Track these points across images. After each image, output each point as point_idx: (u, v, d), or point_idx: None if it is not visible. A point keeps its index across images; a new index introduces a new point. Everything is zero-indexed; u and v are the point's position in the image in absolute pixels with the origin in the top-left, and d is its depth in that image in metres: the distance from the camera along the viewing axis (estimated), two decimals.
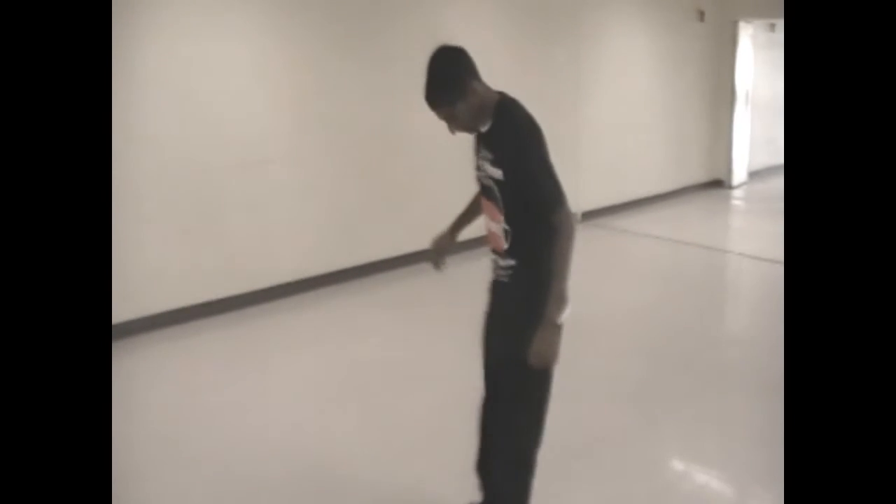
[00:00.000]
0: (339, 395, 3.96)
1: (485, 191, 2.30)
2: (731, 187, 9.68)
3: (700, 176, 9.62)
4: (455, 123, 2.21)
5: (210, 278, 5.18)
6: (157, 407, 3.87)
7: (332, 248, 5.84)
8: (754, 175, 10.24)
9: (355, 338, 4.80)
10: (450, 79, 2.15)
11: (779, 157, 10.80)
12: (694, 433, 3.47)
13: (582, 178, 7.53)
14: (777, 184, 9.74)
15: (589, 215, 7.83)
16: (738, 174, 9.82)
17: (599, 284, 5.56)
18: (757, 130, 10.13)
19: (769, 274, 6.06)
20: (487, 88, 2.21)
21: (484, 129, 2.23)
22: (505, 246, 2.26)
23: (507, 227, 2.23)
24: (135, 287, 4.78)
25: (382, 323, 5.09)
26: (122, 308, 4.68)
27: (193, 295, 5.11)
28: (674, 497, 2.96)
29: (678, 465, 3.25)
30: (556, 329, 2.11)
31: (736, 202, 9.21)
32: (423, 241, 6.10)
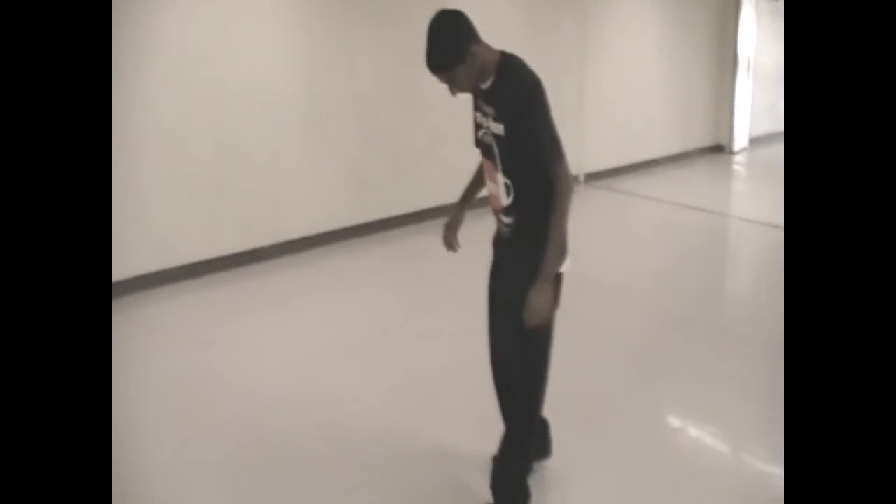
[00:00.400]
0: (351, 348, 4.02)
1: (484, 150, 2.35)
2: (732, 152, 9.72)
3: (702, 141, 9.65)
4: (456, 86, 2.23)
5: (224, 233, 5.24)
6: (169, 357, 3.95)
7: (344, 205, 5.89)
8: (755, 141, 10.28)
9: (366, 292, 4.88)
10: (449, 43, 2.17)
11: (779, 125, 10.82)
12: (691, 389, 3.52)
13: (586, 141, 7.58)
14: (777, 150, 9.77)
15: (593, 177, 7.89)
16: (740, 140, 9.86)
17: (602, 244, 5.64)
18: (758, 97, 10.14)
19: (769, 238, 6.16)
20: (488, 49, 2.23)
21: (485, 85, 2.25)
22: (505, 202, 2.30)
23: (506, 181, 2.27)
24: (149, 240, 4.87)
25: (393, 277, 5.17)
26: (138, 261, 4.79)
27: (208, 249, 5.19)
28: (669, 451, 3.04)
29: (674, 420, 3.32)
30: (550, 284, 2.17)
31: (737, 167, 9.27)
32: (434, 199, 6.35)
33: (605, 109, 7.95)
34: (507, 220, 2.33)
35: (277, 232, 5.53)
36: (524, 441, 2.50)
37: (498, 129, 2.23)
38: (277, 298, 4.82)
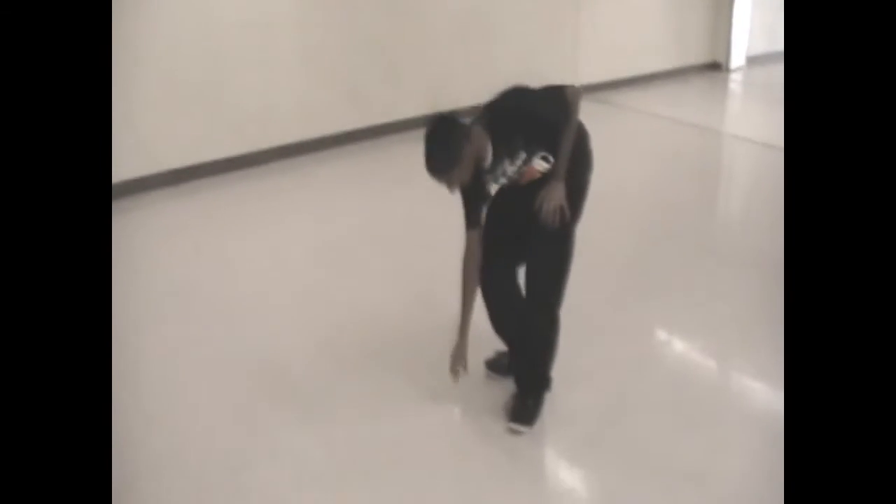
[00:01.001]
0: (343, 253, 4.01)
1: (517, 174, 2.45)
2: (728, 70, 9.51)
3: (698, 57, 9.38)
4: (454, 183, 2.26)
5: (215, 138, 5.12)
6: (161, 262, 3.91)
7: (337, 111, 5.75)
8: (752, 60, 10.01)
9: (359, 198, 4.84)
10: (447, 150, 2.20)
11: (777, 44, 10.55)
12: (679, 305, 3.53)
13: (581, 52, 7.35)
14: (774, 70, 9.55)
15: (587, 89, 7.68)
16: (736, 58, 9.61)
17: (597, 158, 5.55)
18: (757, 16, 9.84)
19: (763, 157, 6.08)
20: (478, 134, 2.27)
21: (488, 162, 2.32)
22: (546, 168, 2.42)
23: (544, 154, 2.40)
24: (138, 145, 4.74)
25: (386, 183, 5.12)
26: (128, 165, 4.67)
27: (199, 154, 5.08)
28: (655, 363, 3.07)
29: (662, 334, 3.35)
30: (562, 184, 2.36)
31: (733, 86, 9.07)
32: (428, 106, 6.21)
33: (601, 22, 7.69)
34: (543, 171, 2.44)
35: (269, 137, 5.41)
36: (553, 343, 2.62)
37: (521, 154, 2.36)
38: (269, 204, 4.77)
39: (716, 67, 9.50)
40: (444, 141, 2.21)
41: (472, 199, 2.46)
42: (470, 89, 6.14)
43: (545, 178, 2.41)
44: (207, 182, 5.00)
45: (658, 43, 8.66)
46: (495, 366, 2.88)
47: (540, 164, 2.41)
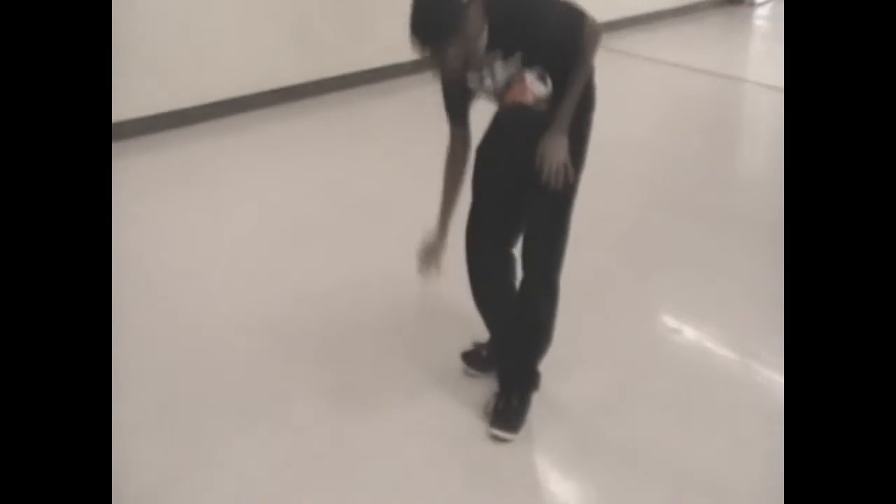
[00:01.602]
0: (294, 226, 4.02)
1: (506, 83, 2.35)
2: (753, 3, 9.51)
3: None
4: (442, 64, 2.19)
5: (139, 93, 5.04)
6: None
7: (280, 61, 5.72)
8: None
9: (309, 161, 4.84)
10: (442, 17, 2.09)
11: None
12: (689, 283, 3.57)
13: None
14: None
15: None
16: None
17: (599, 115, 5.56)
18: None
19: None
20: (476, 13, 2.15)
21: (483, 48, 2.21)
22: (543, 92, 2.34)
23: (539, 71, 2.31)
24: None
25: (341, 148, 5.10)
26: None
27: (119, 111, 5.01)
28: (661, 350, 3.10)
29: (670, 319, 3.36)
30: (564, 135, 2.31)
31: (758, 22, 9.06)
32: (391, 56, 6.16)
33: None
34: (540, 108, 2.36)
35: (202, 92, 5.36)
36: (549, 328, 2.62)
37: (514, 61, 2.27)
38: (205, 169, 4.74)
39: (737, 1, 9.50)
40: (440, 5, 2.12)
41: (454, 93, 2.44)
42: None
43: (539, 118, 2.36)
44: (128, 144, 4.93)
45: None
46: (473, 360, 2.88)
47: (534, 84, 2.33)
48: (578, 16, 2.28)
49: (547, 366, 2.69)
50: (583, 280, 3.41)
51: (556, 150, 2.29)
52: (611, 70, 6.78)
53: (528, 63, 2.28)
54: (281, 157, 4.94)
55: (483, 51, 2.22)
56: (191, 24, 5.19)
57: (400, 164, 4.76)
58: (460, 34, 2.10)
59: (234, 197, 4.39)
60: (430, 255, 2.63)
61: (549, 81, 2.32)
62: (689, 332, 3.28)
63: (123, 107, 4.93)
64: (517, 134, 2.44)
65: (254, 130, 5.33)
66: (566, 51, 2.28)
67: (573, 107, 2.32)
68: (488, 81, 2.34)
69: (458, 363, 2.89)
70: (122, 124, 4.93)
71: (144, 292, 3.41)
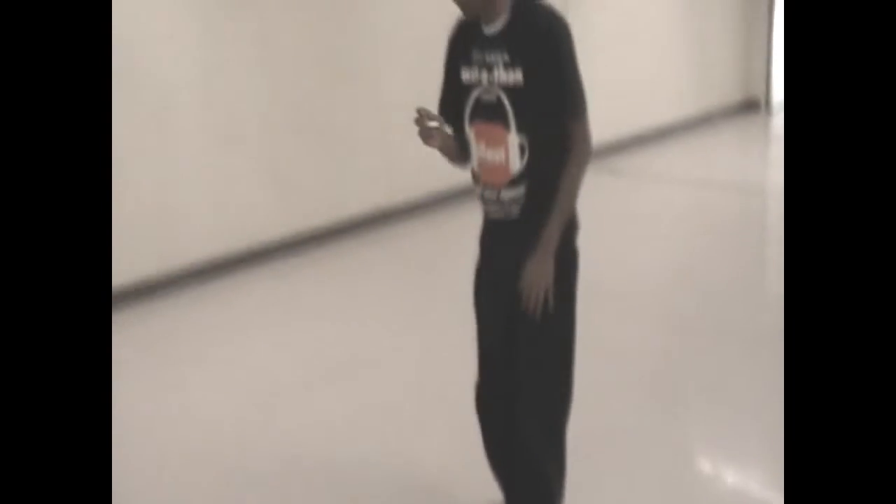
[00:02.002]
0: (290, 390, 4.14)
1: (482, 112, 2.46)
2: (770, 110, 9.85)
3: (730, 96, 9.78)
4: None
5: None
6: None
7: (260, 216, 5.90)
8: None
9: (302, 321, 4.98)
10: None
11: None
12: (726, 421, 3.60)
13: None
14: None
15: None
16: (780, 92, 9.97)
17: (611, 243, 5.68)
18: None
19: None
20: None
21: (495, 26, 2.39)
22: (516, 169, 2.42)
23: (521, 140, 2.40)
24: None
25: (331, 301, 5.27)
26: None
27: None
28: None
29: (707, 464, 3.40)
30: (550, 257, 2.38)
31: (777, 130, 9.38)
32: (379, 201, 6.37)
33: (597, 63, 7.97)
34: (513, 194, 2.44)
35: (173, 257, 5.52)
36: (552, 481, 2.61)
37: (513, 77, 2.37)
38: (176, 347, 4.82)
39: (753, 107, 9.85)
40: None
41: (446, 82, 2.59)
42: (434, 176, 6.45)
43: (518, 229, 2.46)
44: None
45: (674, 83, 9.04)
46: None
47: (514, 148, 2.41)
48: (579, 109, 2.42)
49: None
50: (605, 422, 3.53)
51: (539, 274, 2.36)
52: (620, 194, 7.08)
53: (517, 95, 2.38)
54: (266, 319, 5.07)
55: (488, 33, 2.40)
56: (154, 178, 5.40)
57: (387, 319, 4.92)
58: None
59: (219, 364, 4.50)
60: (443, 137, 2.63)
61: (525, 157, 2.41)
62: (730, 477, 3.29)
63: None
64: (500, 252, 2.55)
65: (238, 292, 5.48)
66: (551, 126, 2.40)
67: (560, 227, 2.40)
68: (481, 85, 2.44)
69: None
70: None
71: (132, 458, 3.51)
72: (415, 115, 2.50)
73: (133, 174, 5.26)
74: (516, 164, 2.42)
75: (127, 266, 5.25)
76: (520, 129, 2.40)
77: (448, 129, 2.59)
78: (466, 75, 2.48)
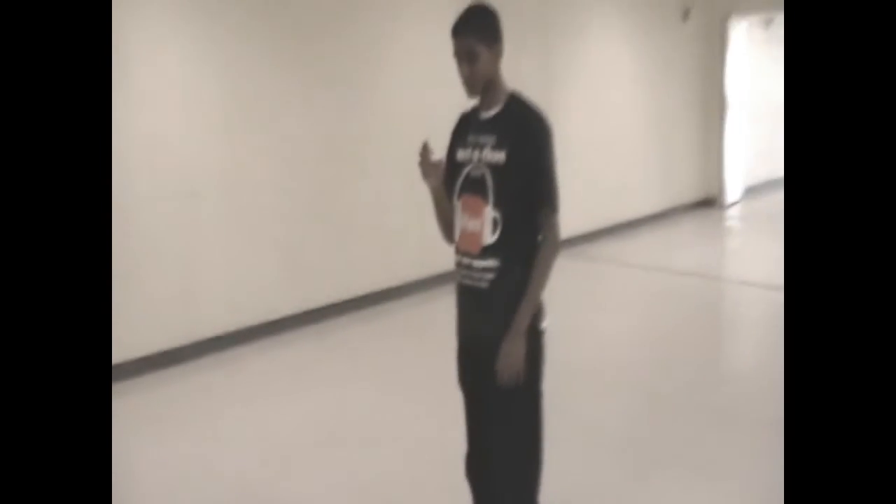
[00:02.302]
0: (299, 454, 4.22)
1: (469, 186, 2.62)
2: (724, 206, 10.29)
3: (689, 195, 10.25)
4: (471, 67, 2.54)
5: (130, 334, 5.24)
6: None
7: (274, 293, 6.11)
8: (752, 191, 10.90)
9: (303, 395, 5.06)
10: (488, 21, 2.58)
11: (779, 171, 11.57)
12: (693, 488, 3.69)
13: None
14: (778, 200, 10.44)
15: (563, 244, 8.21)
16: (733, 191, 10.45)
17: (582, 322, 5.96)
18: (754, 141, 10.81)
19: (771, 302, 6.56)
20: (502, 78, 2.64)
21: (490, 112, 2.62)
22: (489, 240, 2.55)
23: (496, 214, 2.54)
24: None
25: (337, 374, 5.40)
26: None
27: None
28: None
29: None
30: (522, 338, 2.50)
31: (731, 223, 9.82)
32: (380, 281, 6.57)
33: (574, 165, 8.33)
34: (484, 264, 2.57)
35: (195, 330, 5.69)
36: None
37: (498, 157, 2.55)
38: (200, 406, 4.96)
39: (710, 204, 10.29)
40: (489, 12, 2.57)
41: (447, 162, 2.71)
42: (425, 259, 6.75)
43: (488, 298, 2.56)
44: (122, 386, 5.15)
45: (641, 183, 9.54)
46: None
47: (488, 217, 2.54)
48: (553, 202, 2.55)
49: None
50: (579, 488, 3.60)
51: (511, 355, 2.47)
52: (593, 278, 7.40)
53: (499, 173, 2.53)
54: (278, 384, 5.20)
55: (484, 117, 2.62)
56: (180, 258, 5.61)
57: (389, 388, 5.04)
58: (481, 47, 2.52)
59: (235, 422, 4.60)
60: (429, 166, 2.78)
61: (498, 231, 2.53)
62: None
63: (121, 349, 5.13)
64: (470, 318, 2.67)
65: (253, 360, 5.62)
66: (524, 208, 2.53)
67: (531, 311, 2.52)
68: (471, 163, 2.61)
69: None
70: (116, 366, 5.18)
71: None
72: (420, 151, 2.69)
73: (163, 255, 5.51)
74: (489, 235, 2.54)
75: (156, 335, 5.50)
76: (496, 204, 2.53)
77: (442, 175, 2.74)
78: (461, 155, 2.67)
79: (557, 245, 2.60)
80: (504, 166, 2.53)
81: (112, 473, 1.83)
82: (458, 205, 2.67)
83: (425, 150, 2.69)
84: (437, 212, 2.82)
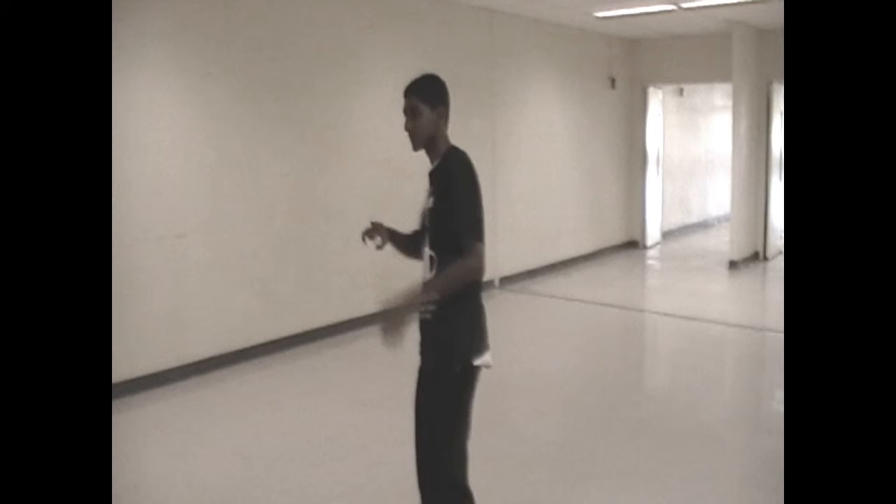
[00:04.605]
0: (274, 467, 4.15)
1: (423, 228, 2.70)
2: (645, 247, 10.50)
3: (616, 237, 10.41)
4: (414, 122, 2.62)
5: (121, 356, 5.10)
6: None
7: (251, 322, 6.07)
8: (668, 235, 11.13)
9: (279, 413, 5.01)
10: (434, 86, 2.66)
11: (690, 217, 11.90)
12: (619, 491, 3.76)
13: (499, 244, 8.09)
14: (687, 242, 10.75)
15: (508, 280, 8.37)
16: (652, 234, 10.67)
17: (519, 348, 6.01)
18: (668, 191, 11.08)
19: (682, 329, 6.69)
20: (447, 137, 2.70)
21: (432, 166, 2.68)
22: (428, 276, 2.61)
23: (431, 253, 2.60)
24: None
25: (308, 394, 5.35)
26: None
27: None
28: None
29: None
30: (407, 306, 2.44)
31: (650, 262, 10.01)
32: (345, 312, 6.59)
33: (517, 211, 8.52)
34: (427, 316, 2.55)
35: (181, 353, 5.64)
36: None
37: (430, 202, 2.63)
38: (183, 424, 4.87)
39: (633, 245, 10.48)
40: (435, 79, 2.66)
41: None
42: (389, 292, 6.67)
43: (430, 327, 2.59)
44: (117, 404, 5.07)
45: (575, 228, 9.68)
46: None
47: (427, 257, 2.62)
48: (473, 231, 2.50)
49: None
50: (516, 494, 3.62)
51: (395, 308, 2.42)
52: (532, 309, 7.47)
53: (432, 216, 2.60)
54: (255, 403, 5.14)
55: (430, 170, 2.67)
56: (167, 289, 5.56)
57: (354, 407, 5.02)
58: (435, 110, 2.60)
59: (216, 438, 4.53)
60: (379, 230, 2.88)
61: (434, 269, 2.58)
62: None
63: (117, 370, 5.05)
64: (422, 345, 2.69)
65: (233, 382, 5.55)
66: (452, 244, 2.51)
67: (429, 295, 2.44)
68: (424, 208, 2.69)
69: None
70: (121, 384, 5.14)
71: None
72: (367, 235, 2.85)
73: (154, 288, 5.48)
74: (428, 272, 2.62)
75: (145, 358, 5.44)
76: (431, 245, 2.60)
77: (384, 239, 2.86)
78: (421, 209, 2.75)
79: (477, 267, 2.50)
80: (434, 209, 2.59)
81: (111, 488, 1.79)
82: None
83: (374, 232, 2.84)
84: (404, 253, 2.90)
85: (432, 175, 2.68)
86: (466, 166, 2.59)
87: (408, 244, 2.89)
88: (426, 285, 2.53)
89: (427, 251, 2.61)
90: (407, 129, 2.64)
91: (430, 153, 2.68)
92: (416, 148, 2.69)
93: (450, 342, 2.60)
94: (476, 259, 2.48)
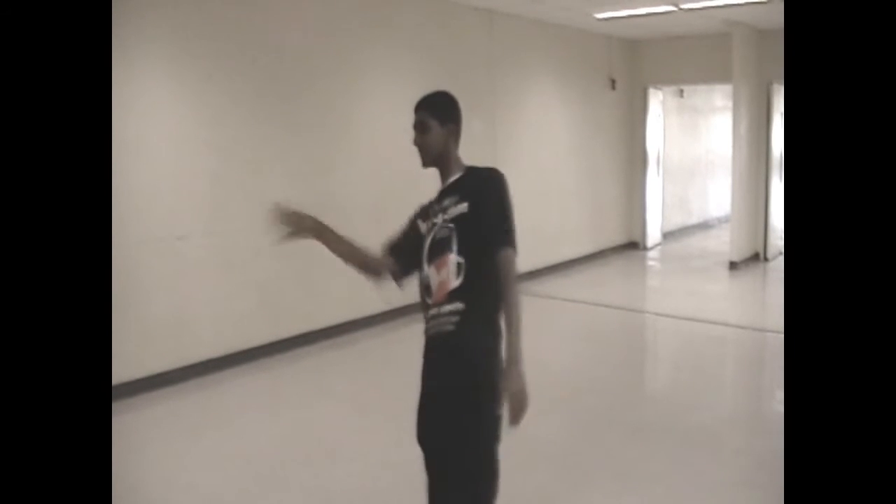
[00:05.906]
0: (273, 468, 4.15)
1: (436, 247, 2.50)
2: (645, 248, 10.49)
3: (617, 238, 10.41)
4: (423, 137, 2.56)
5: (124, 358, 5.13)
6: None
7: (251, 324, 6.06)
8: (668, 235, 11.13)
9: (279, 415, 5.00)
10: (445, 102, 2.61)
11: (690, 218, 11.89)
12: (622, 493, 3.77)
13: None
14: (687, 243, 10.73)
15: None
16: (653, 235, 10.67)
17: (525, 349, 5.90)
18: (669, 192, 11.08)
19: (683, 331, 6.68)
20: (459, 156, 2.63)
21: (451, 179, 2.59)
22: (454, 283, 2.44)
23: (459, 259, 2.45)
24: None
25: (307, 396, 5.34)
26: None
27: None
28: None
29: None
30: (520, 369, 2.38)
31: (651, 262, 10.01)
32: (344, 314, 6.59)
33: (518, 212, 8.45)
34: (451, 307, 2.44)
35: (181, 355, 5.63)
36: None
37: (461, 207, 2.49)
38: (183, 426, 4.88)
39: (634, 246, 10.48)
40: (447, 96, 2.61)
41: (404, 229, 2.69)
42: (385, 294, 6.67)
43: (453, 341, 2.45)
44: (119, 405, 5.05)
45: (576, 229, 9.68)
46: None
47: (453, 265, 2.45)
48: (511, 239, 2.50)
49: None
50: (519, 499, 3.53)
51: (522, 388, 2.41)
52: (533, 310, 7.42)
53: (462, 221, 2.47)
54: (254, 404, 5.14)
55: (446, 184, 2.58)
56: (174, 296, 5.56)
57: (354, 409, 5.01)
58: (433, 122, 2.54)
59: (215, 438, 4.53)
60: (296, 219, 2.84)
61: (461, 275, 2.43)
62: None
63: (117, 371, 5.10)
64: (440, 375, 2.50)
65: (233, 383, 5.55)
66: (485, 251, 2.44)
67: (518, 335, 2.42)
68: (437, 226, 2.52)
69: None
70: (121, 386, 5.12)
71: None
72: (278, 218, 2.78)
73: (155, 290, 5.48)
74: (454, 279, 2.44)
75: (146, 360, 5.43)
76: (460, 251, 2.45)
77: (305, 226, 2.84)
78: (423, 227, 2.60)
79: (516, 278, 2.49)
80: (467, 214, 2.47)
81: (112, 489, 1.76)
82: (431, 269, 2.52)
83: (283, 216, 2.76)
84: (344, 258, 2.78)
85: (453, 186, 2.58)
86: (501, 175, 2.58)
87: (360, 255, 2.77)
88: (514, 344, 2.45)
89: (454, 259, 2.46)
90: (416, 143, 2.60)
91: (444, 171, 2.62)
92: (425, 164, 2.62)
93: (489, 371, 2.49)
94: (515, 268, 2.48)
